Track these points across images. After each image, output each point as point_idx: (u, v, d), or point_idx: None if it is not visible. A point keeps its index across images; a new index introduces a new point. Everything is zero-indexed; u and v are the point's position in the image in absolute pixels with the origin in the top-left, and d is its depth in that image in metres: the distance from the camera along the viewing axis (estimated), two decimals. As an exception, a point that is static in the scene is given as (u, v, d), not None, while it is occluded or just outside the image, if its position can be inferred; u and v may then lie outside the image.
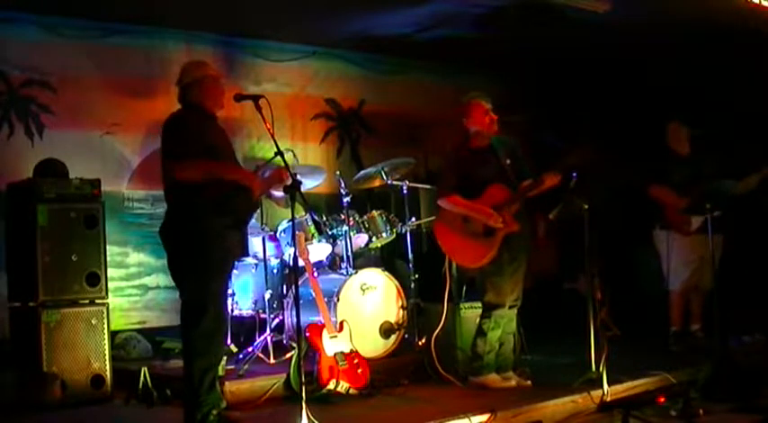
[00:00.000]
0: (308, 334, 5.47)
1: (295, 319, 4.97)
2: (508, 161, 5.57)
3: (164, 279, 7.12)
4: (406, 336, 6.32)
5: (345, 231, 6.35)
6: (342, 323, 5.65)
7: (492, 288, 5.51)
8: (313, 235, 6.26)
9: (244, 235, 4.83)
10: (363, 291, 6.22)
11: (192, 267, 4.55)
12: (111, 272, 5.93)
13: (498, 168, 5.54)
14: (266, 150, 7.36)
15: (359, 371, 5.51)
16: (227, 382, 5.19)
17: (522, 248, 5.57)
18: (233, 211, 4.59)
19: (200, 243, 4.52)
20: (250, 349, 5.92)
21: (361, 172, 6.89)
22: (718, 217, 6.32)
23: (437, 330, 5.84)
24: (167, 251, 4.67)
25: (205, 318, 4.50)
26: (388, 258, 7.26)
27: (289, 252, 6.24)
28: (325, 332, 5.51)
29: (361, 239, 6.55)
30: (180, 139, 4.54)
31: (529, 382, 5.62)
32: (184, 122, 4.64)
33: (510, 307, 5.60)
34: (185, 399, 4.58)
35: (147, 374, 5.45)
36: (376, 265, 6.67)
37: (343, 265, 6.38)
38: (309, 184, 6.42)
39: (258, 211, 5.75)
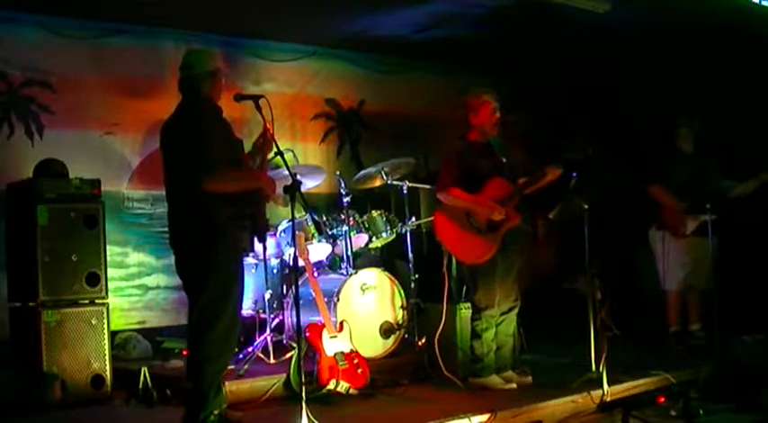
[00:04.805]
0: (308, 334, 5.47)
1: (295, 319, 4.97)
2: (504, 160, 5.57)
3: (164, 279, 7.13)
4: (406, 336, 6.33)
5: (345, 231, 6.36)
6: (342, 323, 5.65)
7: (482, 288, 5.49)
8: (313, 235, 6.26)
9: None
10: (363, 291, 6.22)
11: (211, 272, 4.46)
12: (111, 272, 5.91)
13: (497, 164, 5.54)
14: (266, 150, 7.35)
15: (359, 371, 5.51)
16: (227, 382, 5.18)
17: (517, 248, 5.55)
18: (251, 216, 4.59)
19: (220, 249, 4.46)
20: (250, 349, 5.92)
21: (361, 172, 6.90)
22: (713, 219, 6.35)
23: (439, 331, 5.81)
24: (180, 255, 4.59)
25: (222, 320, 4.47)
26: (388, 258, 7.26)
27: (289, 252, 6.24)
28: (325, 332, 5.51)
29: (361, 239, 6.56)
30: (206, 145, 4.43)
31: (529, 378, 5.62)
32: (208, 124, 4.53)
33: (510, 309, 5.59)
34: (189, 399, 4.55)
35: (147, 374, 5.45)
36: (376, 265, 6.67)
37: (344, 265, 6.38)
38: (309, 184, 6.42)
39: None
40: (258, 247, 6.17)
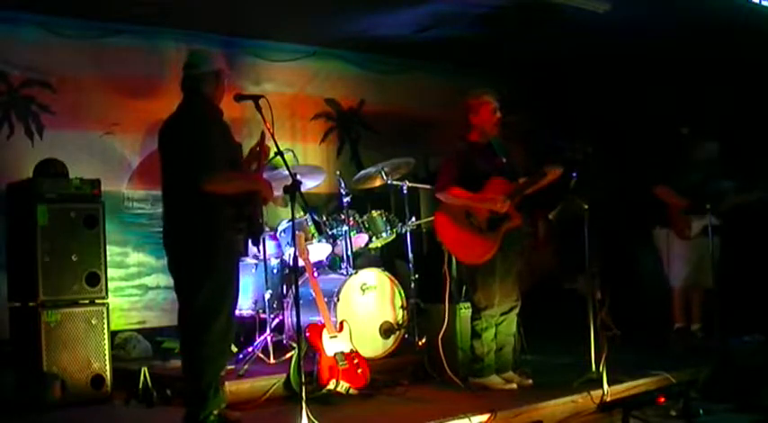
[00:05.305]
0: (308, 334, 5.47)
1: (295, 319, 4.97)
2: (504, 160, 5.57)
3: (164, 279, 7.11)
4: (406, 336, 6.33)
5: (345, 231, 6.36)
6: (342, 323, 5.65)
7: (482, 288, 5.48)
8: (313, 235, 6.26)
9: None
10: (363, 291, 6.22)
11: (207, 273, 4.46)
12: (111, 272, 5.92)
13: (497, 164, 5.54)
14: (266, 150, 7.35)
15: (359, 371, 5.50)
16: (227, 382, 5.18)
17: (516, 248, 5.55)
18: (248, 218, 4.59)
19: (218, 249, 4.46)
20: (250, 349, 5.92)
21: (361, 172, 6.90)
22: (718, 223, 6.37)
23: (442, 331, 5.79)
24: (175, 257, 4.58)
25: (219, 320, 4.47)
26: (388, 258, 7.26)
27: (289, 252, 6.24)
28: (325, 332, 5.51)
29: (361, 239, 6.56)
30: (206, 145, 4.42)
31: (530, 382, 5.61)
32: (211, 124, 4.52)
33: (510, 308, 5.59)
34: (189, 399, 4.56)
35: (147, 374, 5.45)
36: (376, 265, 6.67)
37: (344, 265, 6.38)
38: (309, 184, 6.42)
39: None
40: (253, 249, 6.21)
